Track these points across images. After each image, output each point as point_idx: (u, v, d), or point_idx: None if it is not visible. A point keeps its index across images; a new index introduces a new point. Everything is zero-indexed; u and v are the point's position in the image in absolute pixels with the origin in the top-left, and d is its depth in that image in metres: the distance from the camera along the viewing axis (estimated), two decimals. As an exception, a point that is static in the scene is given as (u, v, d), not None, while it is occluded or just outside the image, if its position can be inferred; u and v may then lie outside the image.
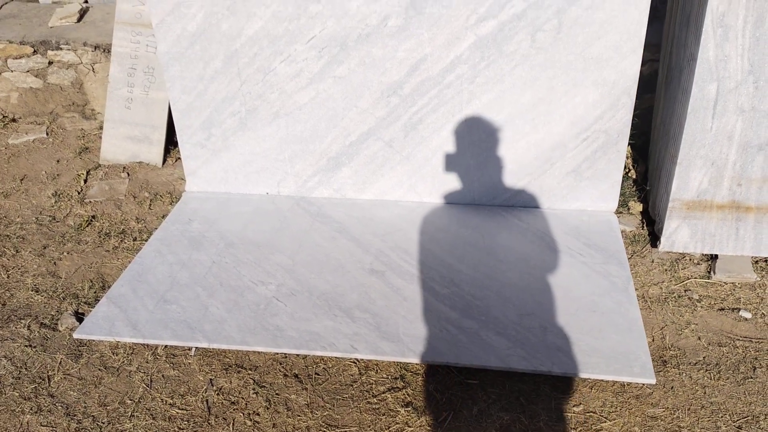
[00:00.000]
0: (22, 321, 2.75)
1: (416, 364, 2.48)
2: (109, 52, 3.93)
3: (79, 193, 3.61)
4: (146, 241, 3.22)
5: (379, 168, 3.23)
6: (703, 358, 2.49)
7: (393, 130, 3.12)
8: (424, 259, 2.90)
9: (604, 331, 2.50)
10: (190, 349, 2.59)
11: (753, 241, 2.88)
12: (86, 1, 4.38)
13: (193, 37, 3.03)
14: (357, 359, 2.51)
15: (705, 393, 2.34)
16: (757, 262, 2.91)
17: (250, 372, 2.50)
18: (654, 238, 3.07)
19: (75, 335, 2.58)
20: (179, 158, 3.83)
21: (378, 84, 3.02)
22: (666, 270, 2.91)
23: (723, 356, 2.49)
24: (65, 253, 3.17)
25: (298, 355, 2.53)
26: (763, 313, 2.66)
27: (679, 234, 2.92)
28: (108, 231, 3.32)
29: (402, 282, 2.78)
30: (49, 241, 3.26)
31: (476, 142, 3.09)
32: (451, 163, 3.16)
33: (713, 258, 2.94)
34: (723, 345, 2.53)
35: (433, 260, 2.89)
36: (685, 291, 2.79)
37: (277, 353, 2.54)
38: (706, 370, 2.43)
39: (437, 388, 2.41)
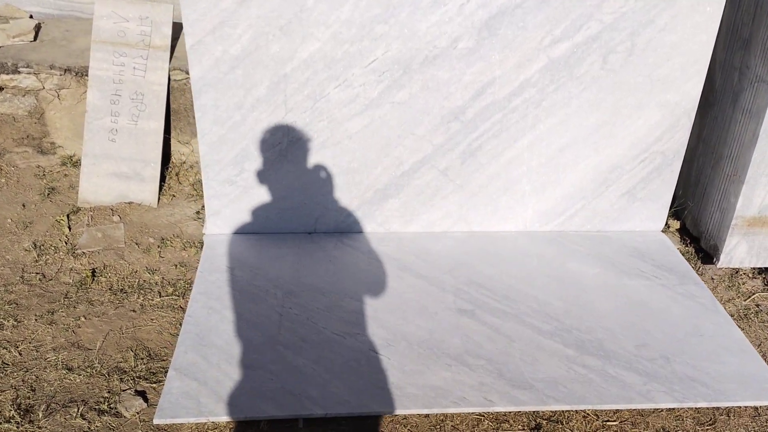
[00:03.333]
0: (70, 409, 2.24)
1: (548, 411, 2.30)
2: (80, 75, 3.38)
3: (66, 244, 3.05)
4: (174, 296, 2.78)
5: (430, 199, 3.03)
6: (808, 372, 2.54)
7: (450, 158, 2.93)
8: (507, 293, 2.74)
9: (721, 355, 2.48)
10: (296, 420, 2.23)
11: (801, 252, 3.01)
12: (31, 17, 3.76)
13: (236, 60, 2.66)
14: (484, 412, 2.30)
15: (829, 407, 2.39)
16: (802, 271, 3.06)
17: (376, 440, 2.20)
18: (704, 255, 3.12)
19: (155, 420, 2.13)
20: (174, 196, 3.39)
21: (439, 109, 2.82)
22: (729, 287, 2.97)
23: (825, 368, 2.56)
24: (82, 318, 2.65)
25: (419, 414, 2.27)
26: (835, 322, 2.78)
27: (737, 250, 2.99)
28: (121, 287, 2.83)
29: (498, 321, 2.59)
30: (53, 304, 2.71)
31: (535, 167, 2.98)
32: (507, 189, 3.02)
33: (765, 270, 3.04)
34: (818, 357, 2.61)
35: (516, 294, 2.74)
36: (757, 306, 2.86)
37: (395, 414, 2.26)
38: (819, 384, 2.48)
39: (579, 433, 2.26)
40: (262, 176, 2.91)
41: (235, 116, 2.78)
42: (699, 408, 2.34)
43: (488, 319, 2.60)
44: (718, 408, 2.35)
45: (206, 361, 2.35)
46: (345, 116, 2.81)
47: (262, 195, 2.96)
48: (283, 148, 2.85)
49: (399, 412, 2.20)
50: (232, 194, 2.94)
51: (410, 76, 2.74)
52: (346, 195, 2.99)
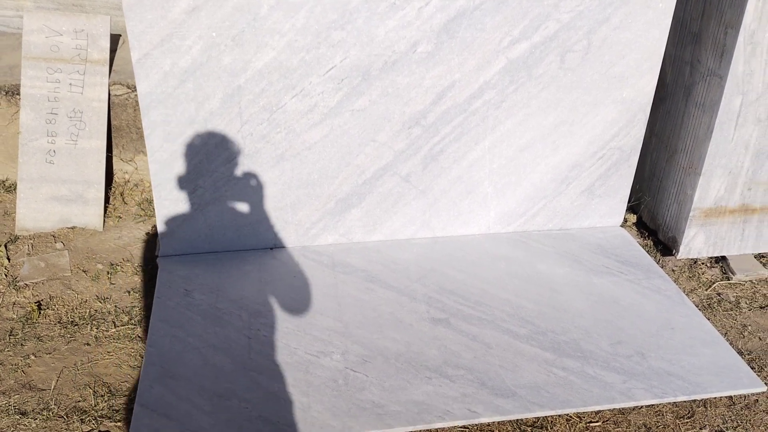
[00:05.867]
0: (29, 458, 2.07)
1: (532, 417, 2.27)
2: (11, 94, 3.16)
3: (6, 276, 2.84)
4: (130, 325, 2.63)
5: (392, 206, 2.96)
6: (775, 357, 2.61)
7: (412, 164, 2.87)
8: (480, 299, 2.70)
9: (695, 347, 2.50)
10: (277, 450, 2.12)
11: (755, 239, 3.10)
12: (-50, 33, 3.49)
13: (186, 74, 2.53)
14: (467, 425, 2.24)
15: (800, 391, 2.45)
16: (755, 257, 3.14)
17: (363, 463, 2.11)
18: (663, 247, 3.17)
19: (126, 464, 1.99)
20: (121, 217, 3.22)
21: (400, 115, 2.76)
22: (690, 277, 3.02)
23: (790, 352, 2.63)
24: (31, 356, 2.46)
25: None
26: (793, 306, 2.87)
27: (695, 241, 3.05)
28: (71, 319, 2.65)
29: (474, 328, 2.55)
30: (-3, 343, 2.51)
31: (496, 169, 2.96)
32: (469, 193, 2.99)
33: (721, 259, 3.11)
34: (782, 342, 2.68)
35: (489, 298, 2.70)
36: (718, 294, 2.92)
37: (379, 434, 2.18)
38: (787, 369, 2.54)
39: (565, 438, 2.24)
40: (219, 193, 2.78)
41: (187, 131, 2.64)
42: (677, 402, 2.35)
43: (464, 326, 2.55)
44: (695, 400, 2.37)
45: (174, 394, 2.21)
46: (303, 127, 2.71)
47: (218, 212, 2.82)
48: (240, 162, 2.73)
49: (384, 431, 2.13)
50: (186, 213, 2.80)
51: (369, 82, 2.67)
52: (306, 207, 2.89)
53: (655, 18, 2.73)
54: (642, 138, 3.01)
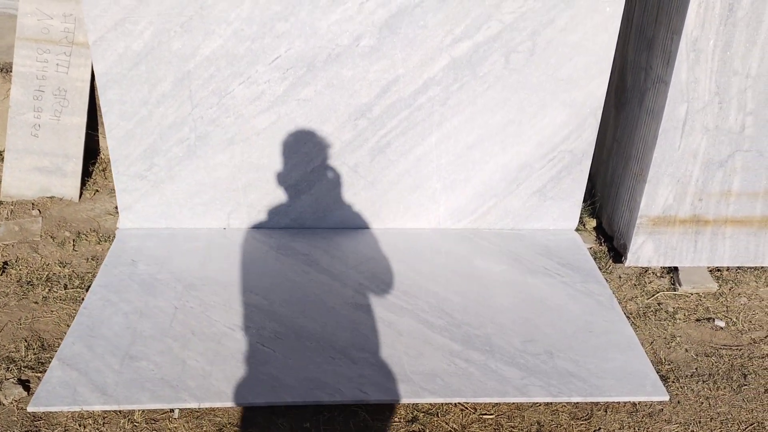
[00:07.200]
0: (-50, 396, 2.27)
1: (426, 404, 2.33)
2: (5, 72, 3.42)
3: (-18, 236, 3.08)
4: (80, 288, 2.82)
5: (342, 195, 3.06)
6: (696, 369, 2.57)
7: (359, 155, 2.96)
8: (407, 289, 2.76)
9: (607, 351, 2.50)
10: (172, 410, 2.26)
11: (709, 252, 3.03)
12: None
13: (138, 57, 2.70)
14: (363, 404, 2.32)
15: (710, 405, 2.41)
16: (711, 271, 3.07)
17: (251, 431, 2.22)
18: (616, 254, 3.15)
19: (29, 408, 2.16)
20: (98, 191, 3.42)
21: (346, 107, 2.85)
22: (635, 285, 2.99)
23: (713, 366, 2.58)
24: (-17, 309, 2.68)
25: (298, 406, 2.29)
26: (733, 321, 2.80)
27: (644, 249, 3.02)
28: (29, 279, 2.86)
29: (391, 315, 2.62)
30: (-42, 295, 2.75)
31: (444, 165, 3.01)
32: (417, 186, 3.05)
33: (673, 270, 3.07)
34: (709, 355, 2.63)
35: (417, 289, 2.77)
36: (659, 304, 2.88)
37: (275, 406, 2.28)
38: (704, 382, 2.50)
39: (455, 427, 2.28)
40: (173, 171, 2.94)
41: (141, 111, 2.81)
42: (578, 403, 2.36)
43: (382, 313, 2.63)
44: (597, 403, 2.37)
45: (91, 351, 2.38)
46: (252, 113, 2.84)
47: (173, 190, 2.99)
48: (192, 143, 2.89)
49: (270, 403, 2.23)
50: (142, 189, 2.97)
51: (314, 73, 2.77)
52: (257, 191, 3.02)
53: (602, 22, 2.73)
54: (593, 142, 3.00)
